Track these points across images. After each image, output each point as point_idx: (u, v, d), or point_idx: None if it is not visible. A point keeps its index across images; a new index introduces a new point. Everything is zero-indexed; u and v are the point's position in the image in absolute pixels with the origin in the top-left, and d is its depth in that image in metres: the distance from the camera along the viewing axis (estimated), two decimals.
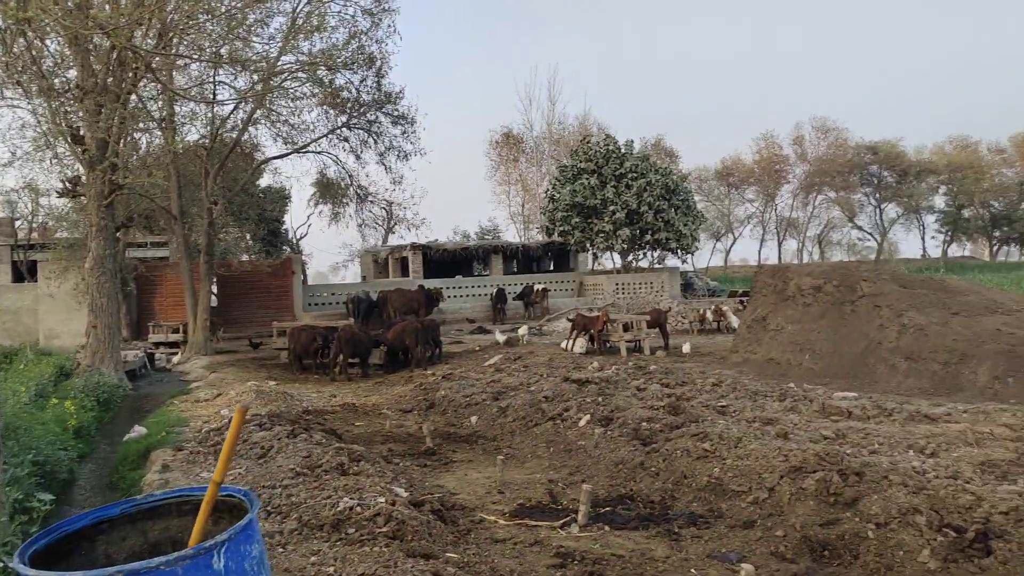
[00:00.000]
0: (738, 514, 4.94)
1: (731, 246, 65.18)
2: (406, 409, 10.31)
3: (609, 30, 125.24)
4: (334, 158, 23.92)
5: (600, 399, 8.18)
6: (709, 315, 20.42)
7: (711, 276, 42.62)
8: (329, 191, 27.79)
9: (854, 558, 4.17)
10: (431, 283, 25.65)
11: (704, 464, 5.65)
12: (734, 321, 18.39)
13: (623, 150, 29.03)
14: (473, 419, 8.91)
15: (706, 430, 6.31)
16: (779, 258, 62.22)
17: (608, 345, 16.00)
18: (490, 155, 48.58)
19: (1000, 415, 7.02)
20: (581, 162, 28.70)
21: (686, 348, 15.53)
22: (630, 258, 29.94)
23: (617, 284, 27.84)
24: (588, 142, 30.84)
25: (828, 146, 59.59)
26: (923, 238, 64.04)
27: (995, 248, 66.78)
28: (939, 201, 61.92)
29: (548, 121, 47.83)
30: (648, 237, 28.27)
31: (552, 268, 34.31)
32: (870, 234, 64.01)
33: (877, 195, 61.05)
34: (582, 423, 7.51)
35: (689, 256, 34.00)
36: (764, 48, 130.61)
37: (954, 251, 66.91)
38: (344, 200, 28.24)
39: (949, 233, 63.14)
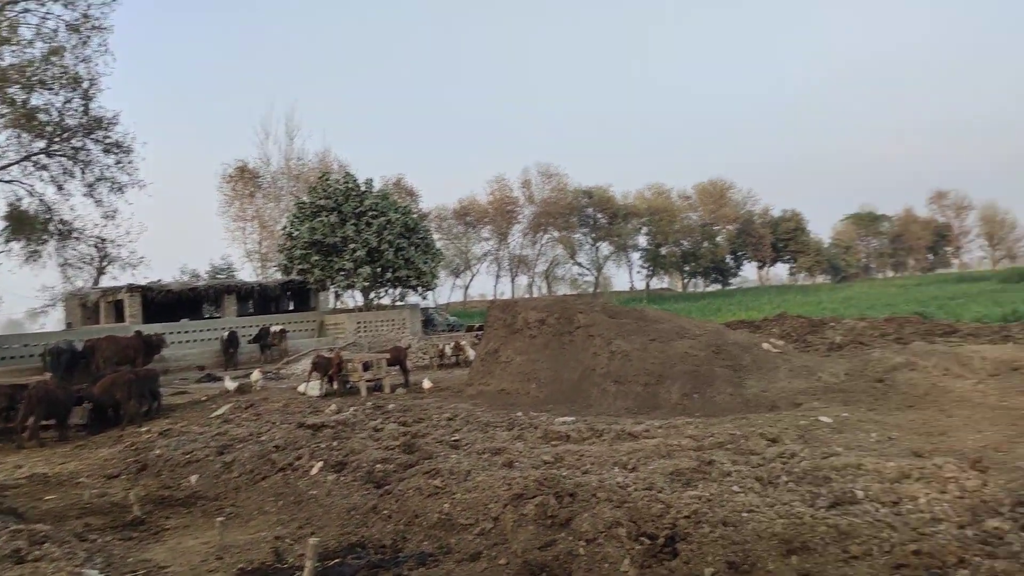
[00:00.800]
0: (466, 547, 5.05)
1: (470, 282, 68.17)
2: (112, 474, 9.02)
3: (353, 70, 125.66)
4: (29, 188, 20.63)
5: (335, 443, 7.92)
6: (448, 350, 21.01)
7: (451, 311, 44.09)
8: (23, 226, 23.75)
9: None
10: (151, 328, 22.98)
11: (435, 501, 5.70)
12: (472, 354, 19.12)
13: (363, 188, 29.00)
14: (193, 478, 8.07)
15: (438, 466, 6.40)
16: (512, 293, 66.37)
17: (349, 385, 15.66)
18: (223, 189, 45.43)
19: (687, 428, 8.11)
20: (320, 199, 28.08)
21: (426, 384, 15.75)
22: (371, 296, 29.81)
23: (359, 322, 27.47)
24: (328, 179, 30.33)
25: (551, 189, 65.44)
26: (631, 272, 72.82)
27: (686, 280, 78.09)
28: (642, 240, 71.00)
29: (286, 156, 46.13)
30: (389, 275, 28.39)
31: (292, 308, 32.81)
32: (588, 269, 71.18)
33: (593, 235, 68.28)
34: (314, 471, 7.19)
35: (429, 292, 34.76)
36: (501, 94, 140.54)
37: (655, 284, 76.93)
38: (43, 237, 24.39)
39: (651, 268, 72.62)
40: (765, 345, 13.00)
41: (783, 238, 79.27)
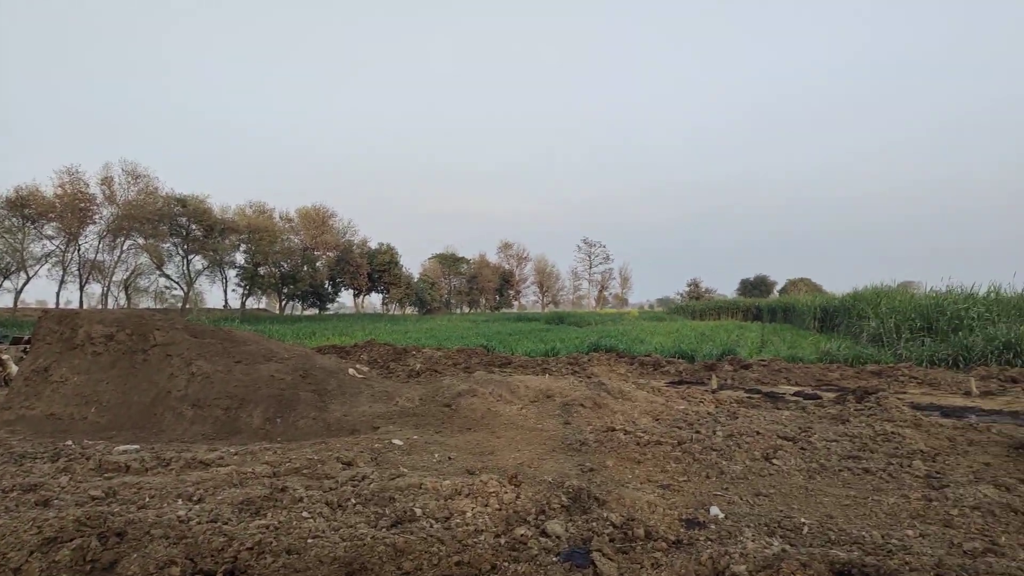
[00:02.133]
0: None
1: (23, 286, 56.43)
2: None
3: None
4: None
5: None
6: None
7: None
8: None
9: None
10: None
11: None
12: (15, 371, 15.74)
13: None
14: None
15: None
16: (81, 302, 56.98)
17: None
18: None
19: (264, 454, 7.86)
20: None
21: None
22: None
23: None
24: None
25: (138, 192, 58.34)
26: (226, 290, 68.62)
27: (284, 303, 76.59)
28: (240, 257, 67.65)
29: None
30: None
31: None
32: (177, 283, 64.97)
33: (185, 246, 62.66)
34: None
35: None
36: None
37: (252, 303, 73.78)
38: None
39: (247, 287, 69.44)
40: (351, 371, 13.40)
41: (379, 269, 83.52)
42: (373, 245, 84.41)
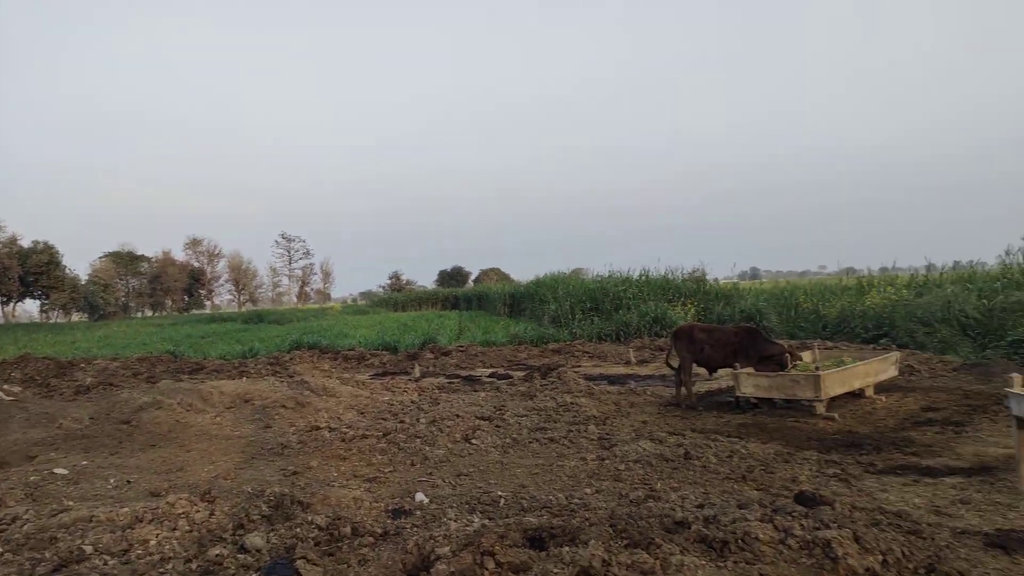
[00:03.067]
0: None
1: None
2: None
3: None
4: None
5: None
6: None
7: None
8: None
9: None
10: None
11: None
12: None
13: None
14: None
15: None
16: None
17: None
18: None
19: None
20: None
21: None
22: None
23: None
24: None
25: None
26: None
27: None
28: None
29: None
30: None
31: None
32: None
33: None
34: None
35: None
36: None
37: None
38: None
39: None
40: None
41: (34, 272, 70.78)
42: (26, 244, 71.22)
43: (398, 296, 75.76)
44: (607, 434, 8.06)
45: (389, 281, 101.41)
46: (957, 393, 9.80)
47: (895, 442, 7.33)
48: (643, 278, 29.52)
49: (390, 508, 5.37)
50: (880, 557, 3.76)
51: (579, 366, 16.30)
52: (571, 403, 9.92)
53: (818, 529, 4.00)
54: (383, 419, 9.26)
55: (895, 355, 10.96)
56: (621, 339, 22.48)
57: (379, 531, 4.76)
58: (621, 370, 15.53)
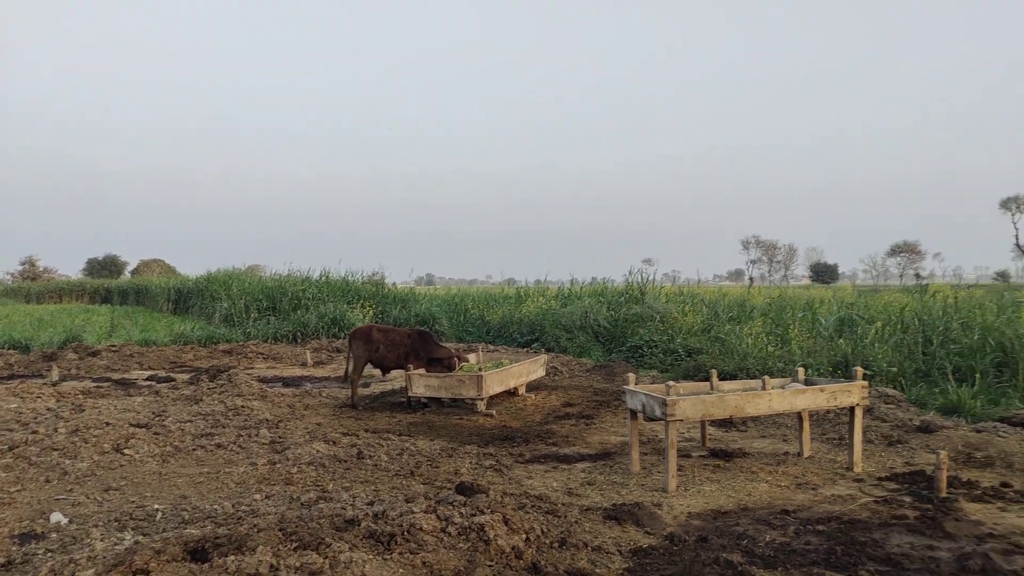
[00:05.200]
0: None
1: None
2: None
3: None
4: None
5: None
6: None
7: None
8: None
9: None
10: None
11: None
12: None
13: None
14: None
15: None
16: None
17: None
18: None
19: None
20: None
21: None
22: None
23: None
24: None
25: None
26: None
27: None
28: None
29: None
30: None
31: None
32: None
33: None
34: None
35: None
36: None
37: None
38: None
39: None
40: None
41: None
42: None
43: (32, 286, 63.73)
44: (280, 437, 7.89)
45: (21, 268, 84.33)
46: (589, 391, 11.57)
47: (540, 434, 8.44)
48: (323, 279, 29.15)
49: (16, 533, 4.62)
50: (524, 536, 4.37)
51: (252, 368, 15.54)
52: (242, 407, 9.47)
53: (474, 515, 4.48)
54: (9, 430, 7.82)
55: (544, 357, 12.58)
56: (298, 340, 21.93)
57: (1, 561, 4.09)
58: (297, 372, 15.21)
